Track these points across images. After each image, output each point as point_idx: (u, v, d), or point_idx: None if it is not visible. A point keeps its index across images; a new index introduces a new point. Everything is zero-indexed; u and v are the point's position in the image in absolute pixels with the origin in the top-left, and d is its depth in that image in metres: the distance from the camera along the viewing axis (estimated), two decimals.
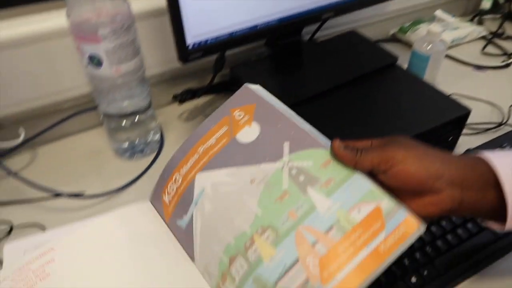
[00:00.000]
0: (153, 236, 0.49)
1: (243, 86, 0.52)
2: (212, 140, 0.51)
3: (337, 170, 0.43)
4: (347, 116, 0.59)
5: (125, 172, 0.61)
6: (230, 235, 0.45)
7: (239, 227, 0.45)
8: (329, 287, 0.38)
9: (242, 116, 0.50)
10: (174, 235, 0.49)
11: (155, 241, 0.49)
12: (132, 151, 0.63)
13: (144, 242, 0.49)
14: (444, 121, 0.57)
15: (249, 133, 0.49)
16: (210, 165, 0.50)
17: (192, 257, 0.47)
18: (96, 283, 0.45)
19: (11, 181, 0.58)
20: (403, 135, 0.43)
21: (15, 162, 0.62)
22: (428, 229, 0.50)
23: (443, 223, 0.51)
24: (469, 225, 0.51)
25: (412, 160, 0.39)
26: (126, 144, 0.62)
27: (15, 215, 0.54)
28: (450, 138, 0.61)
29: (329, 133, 0.54)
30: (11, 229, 0.52)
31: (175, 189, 0.51)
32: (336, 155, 0.42)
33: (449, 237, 0.50)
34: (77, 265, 0.46)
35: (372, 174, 0.41)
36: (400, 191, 0.40)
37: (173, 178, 0.52)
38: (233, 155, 0.49)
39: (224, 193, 0.48)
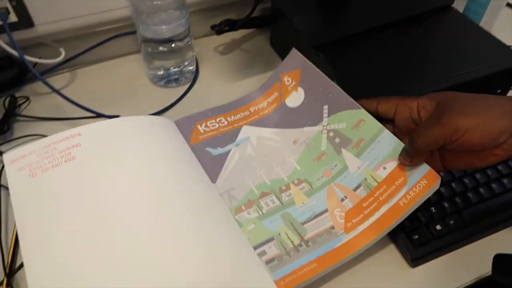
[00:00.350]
0: (176, 147, 0.50)
1: (291, 51, 0.55)
2: (264, 104, 0.56)
3: (368, 130, 0.45)
4: (392, 58, 0.56)
5: (159, 99, 0.61)
6: (267, 177, 0.49)
7: (277, 174, 0.49)
8: (350, 236, 0.42)
9: (290, 82, 0.54)
10: (196, 156, 0.50)
11: (177, 152, 0.49)
12: (167, 79, 0.63)
13: (167, 149, 0.48)
14: (496, 70, 0.53)
15: (295, 98, 0.53)
16: (258, 123, 0.54)
17: (213, 180, 0.48)
18: (116, 177, 0.44)
19: (51, 98, 0.60)
20: (450, 92, 0.40)
21: (55, 81, 0.64)
22: (461, 180, 0.49)
23: (477, 175, 0.49)
24: (505, 180, 0.49)
25: (476, 128, 0.36)
26: (161, 71, 0.62)
27: (53, 131, 0.56)
28: (499, 91, 0.57)
29: (372, 77, 0.53)
30: None
31: (217, 127, 0.54)
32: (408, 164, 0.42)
33: (481, 190, 0.48)
34: (102, 155, 0.45)
35: None
36: (461, 152, 0.40)
37: (217, 119, 0.54)
38: (280, 117, 0.53)
39: (268, 146, 0.52)
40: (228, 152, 0.51)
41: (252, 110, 0.55)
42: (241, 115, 0.55)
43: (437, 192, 0.48)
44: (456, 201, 0.48)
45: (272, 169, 0.49)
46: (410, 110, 0.42)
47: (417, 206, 0.41)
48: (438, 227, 0.45)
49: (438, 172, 0.41)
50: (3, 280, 0.41)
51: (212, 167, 0.49)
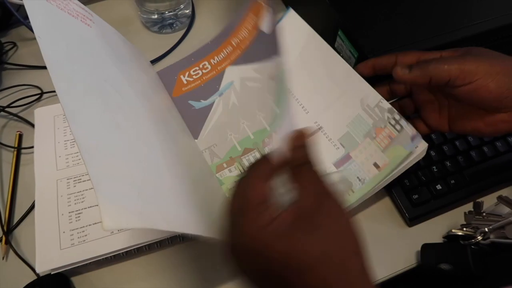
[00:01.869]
0: (159, 101, 0.47)
1: None
2: (244, 33, 0.50)
3: None
4: (403, 4, 0.51)
5: (153, 46, 0.58)
6: (251, 130, 0.46)
7: (260, 123, 0.46)
8: None
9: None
10: (178, 110, 0.49)
11: (159, 106, 0.46)
12: (162, 24, 0.60)
13: (150, 99, 0.45)
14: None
15: (270, 20, 0.45)
16: (241, 60, 0.49)
17: (194, 135, 0.47)
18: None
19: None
20: (475, 47, 0.38)
21: None
22: (464, 138, 0.48)
23: None
24: (510, 139, 0.48)
25: (496, 76, 0.34)
26: (155, 15, 0.58)
27: (43, 81, 0.54)
28: None
29: (381, 25, 0.49)
30: (41, 95, 0.53)
31: (200, 74, 0.51)
32: (405, 81, 0.38)
33: (485, 148, 0.47)
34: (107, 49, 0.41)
35: (440, 88, 0.38)
36: (471, 107, 0.37)
37: (201, 65, 0.51)
38: (260, 47, 0.47)
39: (251, 89, 0.48)
40: (212, 104, 0.49)
41: (235, 44, 0.51)
42: (224, 53, 0.51)
43: (440, 150, 0.47)
44: (458, 159, 0.47)
45: (255, 118, 0.47)
46: None
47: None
48: (439, 186, 0.45)
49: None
50: (2, 237, 0.42)
51: (194, 122, 0.48)
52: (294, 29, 0.53)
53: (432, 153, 0.47)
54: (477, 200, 0.39)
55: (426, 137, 0.41)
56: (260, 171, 0.29)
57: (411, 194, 0.44)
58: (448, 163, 0.46)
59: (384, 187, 0.46)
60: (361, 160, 0.43)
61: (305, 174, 0.30)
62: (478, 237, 0.37)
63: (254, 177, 0.29)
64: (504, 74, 0.35)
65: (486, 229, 0.37)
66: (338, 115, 0.46)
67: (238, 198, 0.29)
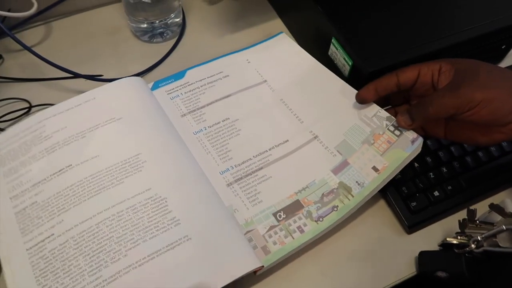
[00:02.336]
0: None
1: None
2: None
3: None
4: (398, 13, 0.51)
5: (144, 56, 0.57)
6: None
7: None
8: None
9: None
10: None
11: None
12: (152, 34, 0.59)
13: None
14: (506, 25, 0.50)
15: None
16: None
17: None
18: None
19: (26, 55, 0.55)
20: (471, 61, 0.39)
21: (28, 37, 0.58)
22: (460, 144, 0.48)
23: None
24: (504, 143, 0.48)
25: (489, 103, 0.35)
26: (145, 24, 0.58)
27: (33, 92, 0.52)
28: (503, 46, 0.55)
29: (375, 35, 0.49)
30: (30, 108, 0.51)
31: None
32: (406, 126, 0.41)
33: (480, 153, 0.48)
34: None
35: None
36: (467, 124, 0.39)
37: None
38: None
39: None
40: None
41: None
42: None
43: (436, 156, 0.47)
44: (454, 165, 0.47)
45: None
46: (432, 73, 0.40)
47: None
48: (436, 193, 0.45)
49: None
50: None
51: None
52: (285, 49, 0.54)
53: (428, 159, 0.47)
54: (471, 208, 0.40)
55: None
56: None
57: (409, 201, 0.44)
58: (444, 169, 0.46)
59: (383, 196, 0.46)
60: (359, 165, 0.43)
61: None
62: (472, 246, 0.37)
63: None
64: (497, 101, 0.35)
65: (479, 238, 0.37)
66: (333, 125, 0.46)
67: None
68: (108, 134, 0.45)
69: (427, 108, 0.38)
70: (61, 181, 0.41)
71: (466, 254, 0.38)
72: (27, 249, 0.38)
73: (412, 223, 0.44)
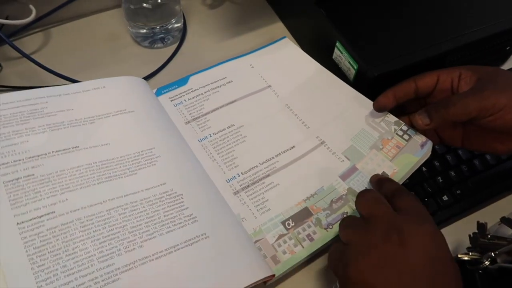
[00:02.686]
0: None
1: None
2: None
3: None
4: (402, 16, 0.50)
5: (145, 62, 0.56)
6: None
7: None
8: None
9: None
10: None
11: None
12: (152, 39, 0.58)
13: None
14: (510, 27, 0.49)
15: None
16: None
17: None
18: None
19: (25, 63, 0.54)
20: (492, 68, 0.38)
21: (27, 44, 0.57)
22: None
23: None
24: None
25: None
26: (145, 30, 0.57)
27: None
28: (508, 48, 0.54)
29: (380, 39, 0.48)
30: None
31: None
32: (423, 126, 0.39)
33: (488, 156, 0.47)
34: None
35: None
36: (487, 133, 0.38)
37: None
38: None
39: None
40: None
41: None
42: None
43: (444, 160, 0.47)
44: (462, 169, 0.46)
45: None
46: (452, 79, 0.39)
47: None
48: (445, 197, 0.44)
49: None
50: None
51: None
52: (288, 53, 0.54)
53: (436, 163, 0.46)
54: (481, 222, 0.39)
55: None
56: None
57: None
58: (452, 173, 0.46)
59: None
60: (368, 170, 0.42)
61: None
62: (486, 262, 0.36)
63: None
64: None
65: (493, 254, 0.36)
66: (340, 130, 0.45)
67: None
68: (119, 124, 0.44)
69: (448, 107, 0.36)
70: (65, 160, 0.40)
71: (480, 271, 0.37)
72: (18, 223, 0.35)
73: None
